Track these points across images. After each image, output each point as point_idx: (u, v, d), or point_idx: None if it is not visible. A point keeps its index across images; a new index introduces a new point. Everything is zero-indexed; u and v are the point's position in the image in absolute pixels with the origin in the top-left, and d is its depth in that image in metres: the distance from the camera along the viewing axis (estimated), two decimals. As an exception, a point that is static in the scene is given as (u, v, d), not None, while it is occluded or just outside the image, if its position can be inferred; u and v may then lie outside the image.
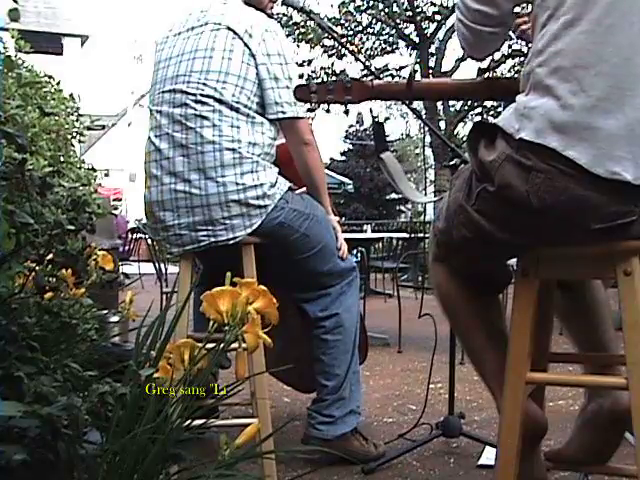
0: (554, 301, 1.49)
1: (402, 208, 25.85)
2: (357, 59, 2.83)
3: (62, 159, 2.83)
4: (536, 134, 1.18)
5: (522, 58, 11.66)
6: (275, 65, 1.94)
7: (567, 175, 1.16)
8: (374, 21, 12.61)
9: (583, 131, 1.16)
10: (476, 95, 2.19)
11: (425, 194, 5.40)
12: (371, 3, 12.18)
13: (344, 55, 12.28)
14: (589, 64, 1.16)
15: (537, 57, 1.22)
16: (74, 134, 3.11)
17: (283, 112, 1.95)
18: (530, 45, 1.28)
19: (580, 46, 1.17)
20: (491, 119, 1.51)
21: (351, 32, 12.68)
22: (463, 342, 1.52)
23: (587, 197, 1.16)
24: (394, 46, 12.77)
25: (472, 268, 1.44)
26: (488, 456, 2.10)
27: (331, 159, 25.91)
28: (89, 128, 3.36)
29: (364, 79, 1.56)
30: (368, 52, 12.84)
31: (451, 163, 2.07)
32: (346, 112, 13.43)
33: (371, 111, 1.78)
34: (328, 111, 11.87)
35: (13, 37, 2.50)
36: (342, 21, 12.41)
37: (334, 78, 1.77)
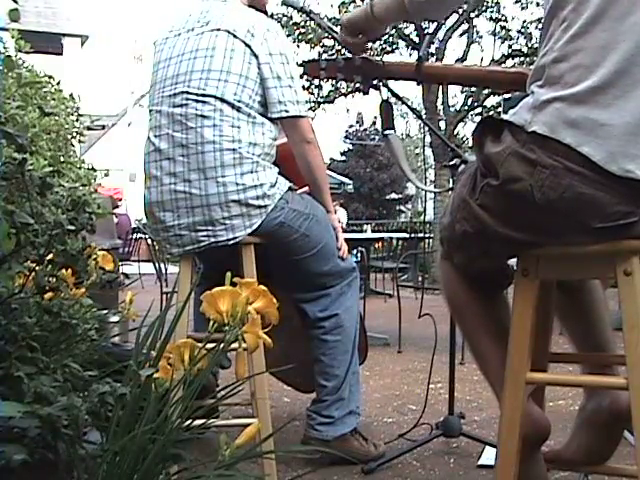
0: (553, 301, 1.48)
1: (402, 208, 25.85)
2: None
3: (62, 159, 2.83)
4: (550, 129, 1.17)
5: (522, 58, 11.66)
6: (278, 64, 1.94)
7: (573, 172, 1.15)
8: (374, 21, 12.59)
9: (599, 128, 1.15)
10: (486, 83, 2.19)
11: (425, 193, 5.39)
12: (371, 3, 12.17)
13: (344, 55, 12.29)
14: (609, 61, 1.15)
15: (555, 52, 1.20)
16: (74, 134, 3.11)
17: (286, 110, 1.95)
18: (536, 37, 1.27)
19: (601, 44, 1.16)
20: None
21: (351, 32, 12.66)
22: (468, 341, 1.52)
23: (591, 195, 1.15)
24: (394, 46, 12.75)
25: (472, 266, 1.44)
26: (488, 456, 2.10)
27: (331, 159, 25.93)
28: (89, 128, 3.36)
29: (374, 58, 1.55)
30: (368, 52, 12.84)
31: (451, 163, 2.07)
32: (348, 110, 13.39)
33: (382, 87, 1.72)
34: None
35: (13, 37, 2.50)
36: (342, 21, 12.40)
37: (344, 56, 1.76)
